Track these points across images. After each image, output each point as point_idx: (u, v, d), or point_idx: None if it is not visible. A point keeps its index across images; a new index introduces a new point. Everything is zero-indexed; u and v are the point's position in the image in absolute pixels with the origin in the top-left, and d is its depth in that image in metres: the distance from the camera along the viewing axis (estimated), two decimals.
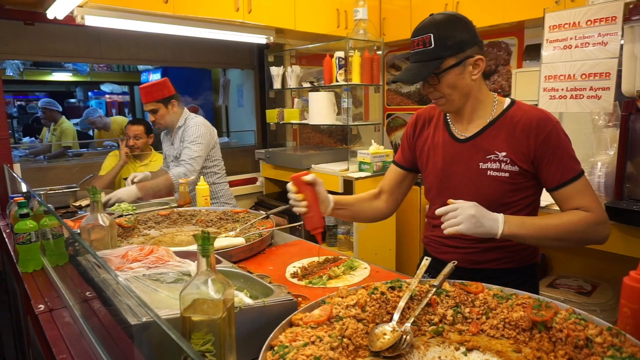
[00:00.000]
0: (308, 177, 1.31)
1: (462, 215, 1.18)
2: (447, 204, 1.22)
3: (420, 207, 3.15)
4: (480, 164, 1.32)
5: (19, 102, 9.01)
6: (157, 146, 3.12)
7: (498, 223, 1.20)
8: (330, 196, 1.40)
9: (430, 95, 1.34)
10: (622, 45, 1.94)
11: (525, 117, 1.30)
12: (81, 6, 2.39)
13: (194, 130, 2.56)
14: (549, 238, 1.24)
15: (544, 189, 1.35)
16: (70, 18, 2.48)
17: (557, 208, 1.34)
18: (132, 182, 2.49)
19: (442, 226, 1.22)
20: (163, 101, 2.60)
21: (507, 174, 1.30)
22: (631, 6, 1.86)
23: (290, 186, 1.33)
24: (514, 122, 1.31)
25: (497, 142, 1.31)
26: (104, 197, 2.32)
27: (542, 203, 2.10)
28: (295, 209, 1.33)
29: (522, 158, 1.28)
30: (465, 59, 1.27)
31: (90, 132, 7.17)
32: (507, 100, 1.37)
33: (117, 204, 2.09)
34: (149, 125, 3.26)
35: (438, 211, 1.22)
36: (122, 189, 2.41)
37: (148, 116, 2.65)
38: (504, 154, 1.30)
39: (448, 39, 1.25)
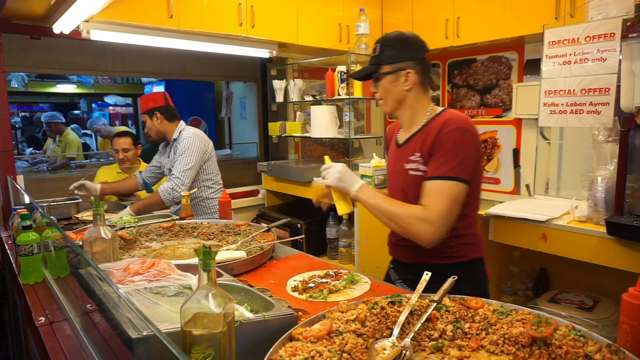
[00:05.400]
0: None
1: (331, 172, 1.49)
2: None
3: None
4: (405, 164, 1.51)
5: (23, 113, 9.09)
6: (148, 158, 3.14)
7: (355, 185, 1.46)
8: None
9: (375, 95, 1.58)
10: (620, 61, 1.96)
11: (441, 120, 1.45)
12: (87, 21, 2.43)
13: (185, 143, 2.56)
14: (382, 216, 1.42)
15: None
16: (76, 32, 2.52)
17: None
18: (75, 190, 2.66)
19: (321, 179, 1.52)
20: (147, 113, 2.66)
21: (421, 173, 1.46)
22: (628, 24, 1.89)
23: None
24: (433, 127, 1.46)
25: (417, 144, 1.49)
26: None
27: (543, 218, 2.12)
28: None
29: (428, 157, 1.44)
30: (399, 69, 1.50)
31: (93, 144, 7.22)
32: (440, 109, 1.53)
33: (119, 217, 2.10)
34: (136, 136, 3.29)
35: (321, 169, 1.53)
36: (121, 212, 2.43)
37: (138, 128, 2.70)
38: (418, 154, 1.47)
39: (388, 50, 1.51)
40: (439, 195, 1.35)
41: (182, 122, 2.73)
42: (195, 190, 2.52)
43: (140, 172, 2.91)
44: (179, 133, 2.65)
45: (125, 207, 2.59)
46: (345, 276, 1.49)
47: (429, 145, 1.42)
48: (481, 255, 1.59)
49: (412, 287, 1.43)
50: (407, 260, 1.59)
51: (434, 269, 1.43)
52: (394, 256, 1.66)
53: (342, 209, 1.53)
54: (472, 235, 1.55)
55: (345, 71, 3.14)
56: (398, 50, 1.50)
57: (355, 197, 1.46)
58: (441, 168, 1.37)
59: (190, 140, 2.57)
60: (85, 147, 6.98)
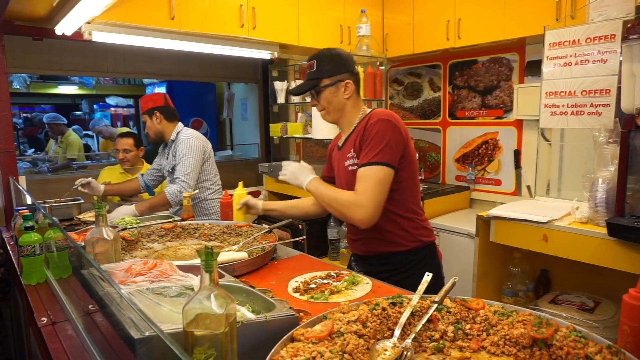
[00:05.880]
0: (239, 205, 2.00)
1: (287, 170, 1.72)
2: None
3: None
4: (345, 162, 1.70)
5: (25, 114, 9.10)
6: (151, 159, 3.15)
7: (307, 180, 1.66)
8: (260, 202, 2.02)
9: (316, 107, 1.75)
10: (621, 62, 1.96)
11: (367, 118, 1.64)
12: (89, 22, 2.44)
13: (185, 145, 2.58)
14: (324, 202, 1.62)
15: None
16: (78, 34, 2.53)
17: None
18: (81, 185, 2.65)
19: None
20: (147, 112, 2.68)
21: (357, 167, 1.62)
22: (629, 25, 1.89)
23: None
24: (363, 124, 1.65)
25: (351, 143, 1.68)
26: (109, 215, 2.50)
27: (544, 219, 2.12)
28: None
29: (360, 151, 1.62)
30: (338, 81, 1.67)
31: (94, 145, 7.23)
32: (369, 110, 1.71)
33: (121, 217, 2.11)
34: (138, 138, 3.31)
35: (282, 165, 1.78)
36: (122, 207, 2.44)
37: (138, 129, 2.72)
38: (352, 150, 1.66)
39: (325, 65, 1.68)
40: (367, 179, 1.53)
41: (180, 124, 2.74)
42: (197, 191, 2.53)
43: (142, 174, 2.93)
44: (177, 134, 2.67)
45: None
46: (346, 277, 1.49)
47: (359, 140, 1.62)
48: (433, 239, 1.75)
49: (373, 277, 1.56)
50: (365, 253, 1.75)
51: (392, 257, 1.68)
52: (353, 251, 1.83)
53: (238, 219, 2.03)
54: (417, 220, 1.70)
55: None
56: (335, 65, 1.68)
57: (307, 189, 1.65)
58: (367, 156, 1.56)
59: (190, 142, 2.59)
60: (87, 148, 6.99)
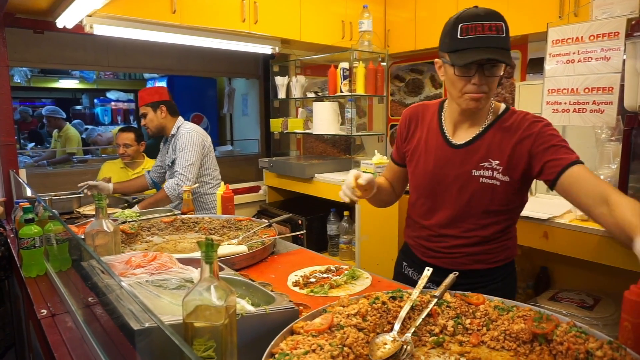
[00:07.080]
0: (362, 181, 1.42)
1: None
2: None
3: None
4: (473, 171, 1.33)
5: (25, 108, 9.08)
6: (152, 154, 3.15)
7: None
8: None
9: (477, 88, 1.26)
10: (624, 60, 1.95)
11: (517, 122, 1.31)
12: (90, 16, 2.43)
13: (185, 138, 2.57)
14: None
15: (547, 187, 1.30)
16: (79, 27, 2.52)
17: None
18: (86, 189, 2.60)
19: None
20: (152, 105, 2.65)
21: (498, 183, 1.31)
22: (633, 22, 1.88)
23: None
24: (508, 128, 1.32)
25: (491, 150, 1.32)
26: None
27: (544, 216, 2.12)
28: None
29: (515, 167, 1.29)
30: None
31: None
32: (502, 106, 1.38)
33: (121, 211, 2.10)
34: (139, 133, 3.30)
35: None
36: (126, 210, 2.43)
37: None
38: (497, 162, 1.31)
39: (509, 32, 1.23)
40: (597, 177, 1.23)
41: (180, 118, 2.74)
42: (197, 185, 2.53)
43: (148, 172, 2.93)
44: (177, 129, 2.67)
45: (126, 201, 2.60)
46: (346, 271, 1.49)
47: (520, 150, 1.28)
48: (514, 256, 1.49)
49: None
50: (452, 267, 1.28)
51: (476, 273, 1.39)
52: (429, 262, 1.42)
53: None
54: (514, 231, 1.47)
55: (347, 68, 3.13)
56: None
57: None
58: (571, 154, 1.24)
59: (189, 135, 2.59)
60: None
